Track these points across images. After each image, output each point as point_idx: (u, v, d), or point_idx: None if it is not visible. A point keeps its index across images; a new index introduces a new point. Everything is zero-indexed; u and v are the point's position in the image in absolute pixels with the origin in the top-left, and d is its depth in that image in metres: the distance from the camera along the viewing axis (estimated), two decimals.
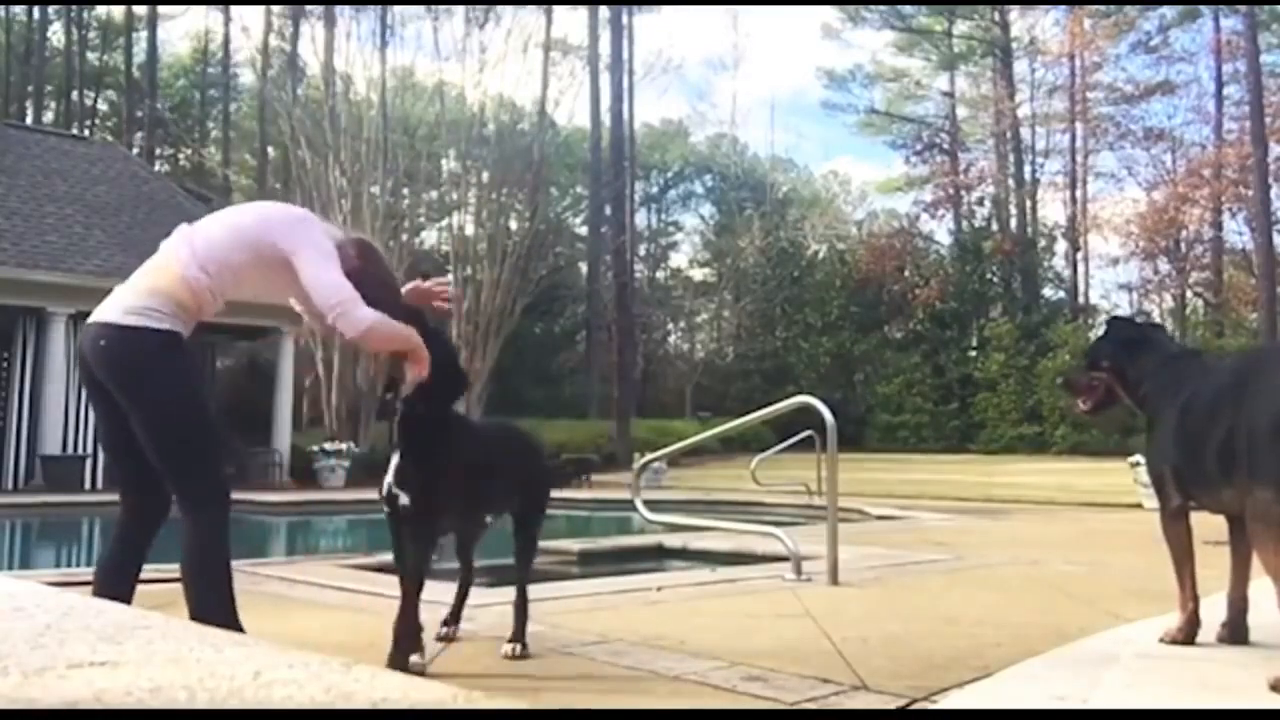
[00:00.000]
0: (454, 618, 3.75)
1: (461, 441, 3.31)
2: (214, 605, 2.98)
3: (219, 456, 3.18)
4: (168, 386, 3.00)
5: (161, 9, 38.71)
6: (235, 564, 5.41)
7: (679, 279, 46.23)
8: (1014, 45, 39.52)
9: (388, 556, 6.22)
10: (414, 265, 25.74)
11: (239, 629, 2.93)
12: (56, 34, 39.42)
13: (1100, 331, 4.05)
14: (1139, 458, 10.22)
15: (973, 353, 35.62)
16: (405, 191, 25.64)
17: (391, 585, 4.93)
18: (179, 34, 42.93)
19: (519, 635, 3.55)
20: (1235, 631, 3.50)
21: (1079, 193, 37.06)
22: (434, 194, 31.36)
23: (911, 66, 43.33)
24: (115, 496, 3.15)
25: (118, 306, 3.01)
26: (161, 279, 3.01)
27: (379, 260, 3.29)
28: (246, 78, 40.23)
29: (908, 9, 40.92)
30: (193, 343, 3.14)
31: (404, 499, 3.18)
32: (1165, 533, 3.58)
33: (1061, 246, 38.40)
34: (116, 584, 3.10)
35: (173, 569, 5.66)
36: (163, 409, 3.00)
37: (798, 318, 37.01)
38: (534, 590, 5.11)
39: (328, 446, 17.16)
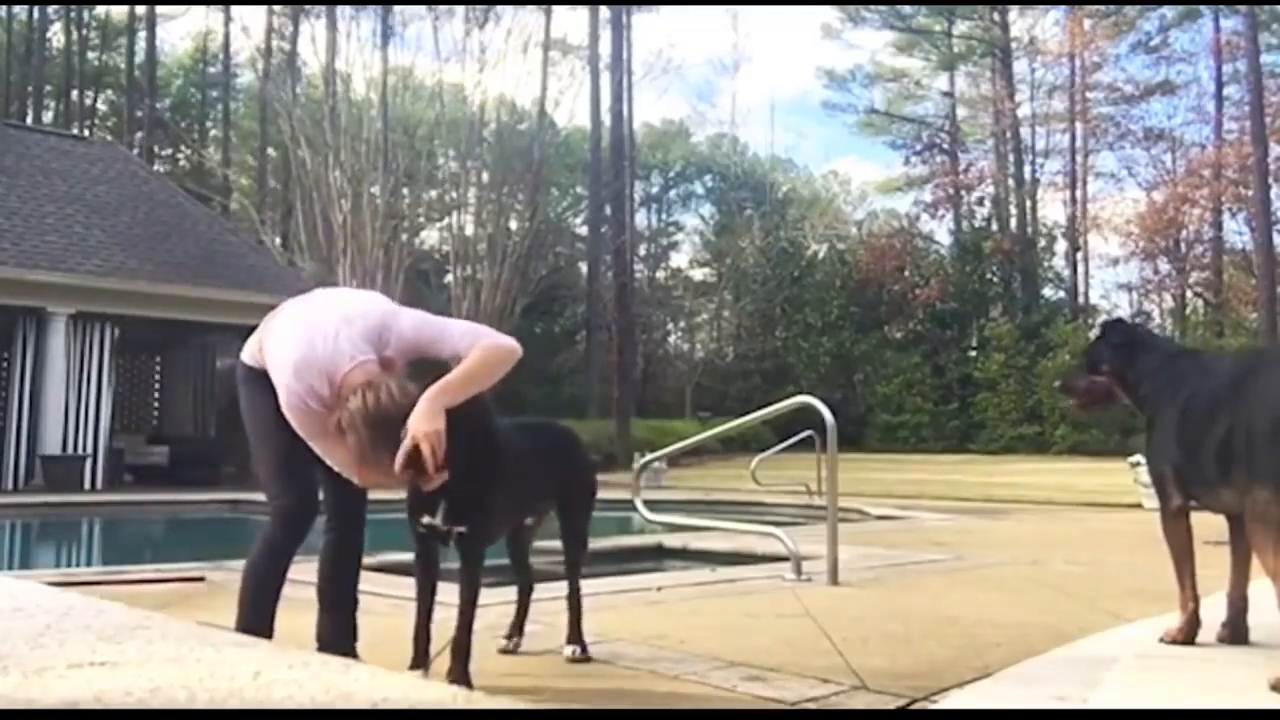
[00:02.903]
0: (517, 629, 3.69)
1: (505, 458, 3.23)
2: (247, 606, 3.20)
3: (290, 479, 3.20)
4: (245, 410, 3.30)
5: (161, 9, 38.70)
6: (236, 564, 5.40)
7: (679, 279, 46.16)
8: (1014, 45, 39.50)
9: (388, 556, 6.24)
10: (414, 265, 25.80)
11: (263, 635, 2.99)
12: (56, 34, 39.41)
13: (1095, 334, 4.06)
14: (1139, 458, 10.22)
15: (973, 353, 35.60)
16: (405, 191, 25.63)
17: (390, 585, 4.93)
18: (179, 34, 42.97)
19: (576, 636, 3.52)
20: (1235, 631, 3.50)
21: (1079, 193, 37.05)
22: (434, 194, 31.34)
23: (911, 66, 43.32)
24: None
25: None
26: (257, 331, 3.30)
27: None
28: (246, 78, 40.24)
29: (908, 9, 40.90)
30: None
31: (459, 529, 3.11)
32: (1165, 533, 3.58)
33: (1061, 246, 38.40)
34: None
35: (172, 569, 5.68)
36: (247, 425, 3.30)
37: (798, 318, 36.99)
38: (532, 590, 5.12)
39: None
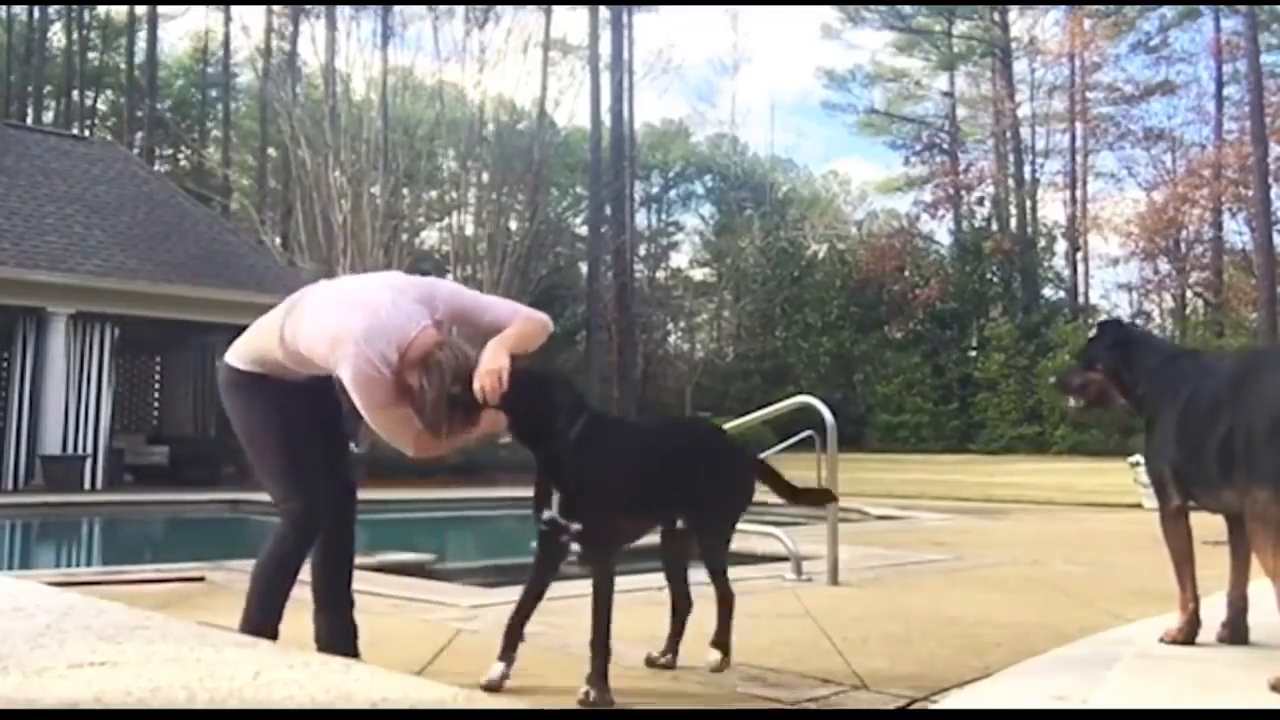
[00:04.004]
0: (671, 644, 3.44)
1: (619, 451, 3.18)
2: (254, 605, 3.20)
3: (300, 482, 3.21)
4: (239, 417, 3.30)
5: (161, 9, 38.70)
6: (236, 564, 5.40)
7: (679, 279, 46.17)
8: (1014, 45, 39.51)
9: (388, 556, 6.24)
10: (414, 265, 25.81)
11: (268, 635, 3.00)
12: (56, 34, 39.40)
13: (1092, 334, 4.05)
14: (1139, 458, 10.21)
15: (973, 353, 35.61)
16: (405, 191, 25.62)
17: (389, 585, 4.93)
18: (179, 34, 42.98)
19: (720, 641, 3.37)
20: (1235, 631, 3.50)
21: (1079, 193, 37.06)
22: (434, 194, 31.35)
23: (911, 66, 43.34)
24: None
25: (237, 341, 3.34)
26: (260, 331, 3.27)
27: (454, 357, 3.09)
28: (246, 78, 40.24)
29: (908, 9, 40.90)
30: (282, 380, 3.23)
31: (575, 526, 3.05)
32: (1165, 533, 3.58)
33: (1061, 246, 38.42)
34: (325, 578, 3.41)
35: (172, 569, 5.68)
36: (241, 432, 3.32)
37: (798, 318, 37.00)
38: None
39: None
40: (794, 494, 3.81)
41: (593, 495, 3.06)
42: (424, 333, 3.04)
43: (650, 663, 3.39)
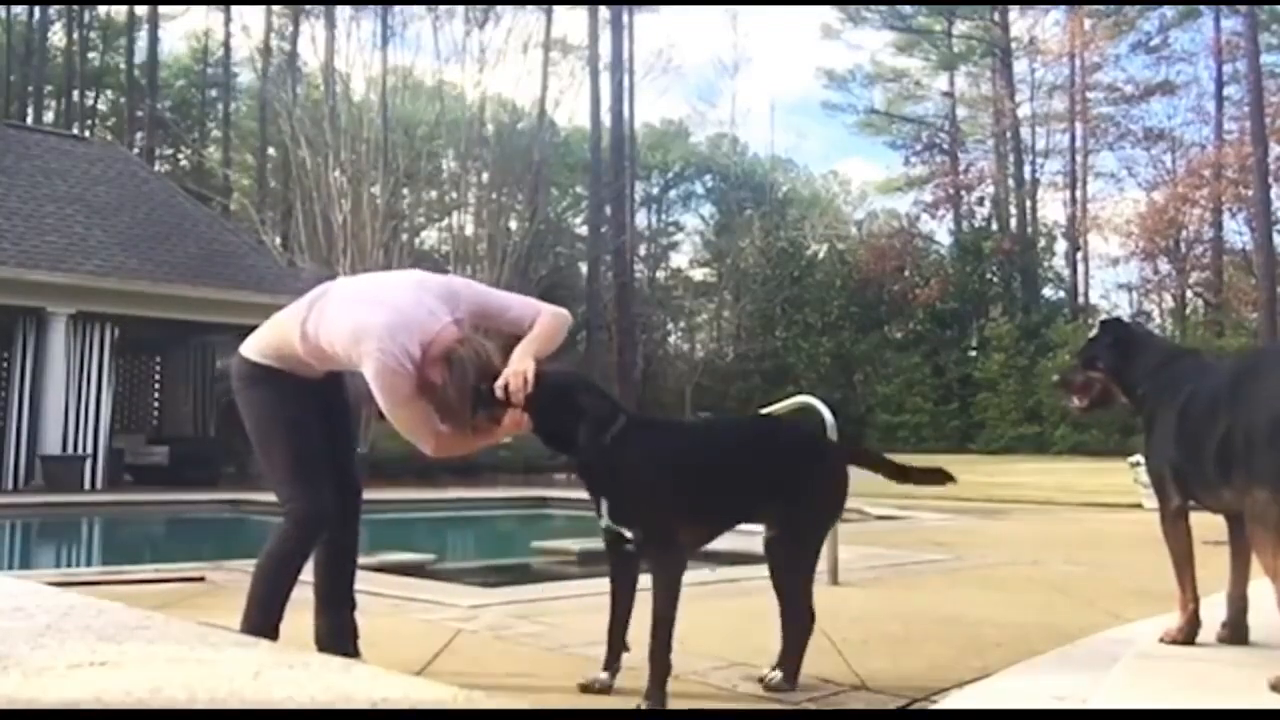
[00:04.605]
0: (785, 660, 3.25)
1: (661, 454, 3.12)
2: (255, 605, 3.18)
3: (306, 481, 3.20)
4: (250, 411, 3.29)
5: (161, 9, 38.69)
6: (236, 564, 5.40)
7: (679, 279, 46.16)
8: (1014, 45, 39.49)
9: (388, 556, 6.24)
10: (414, 265, 25.81)
11: (268, 635, 3.00)
12: (57, 34, 39.38)
13: (1093, 333, 4.05)
14: (1138, 458, 10.21)
15: (973, 353, 35.60)
16: (405, 191, 25.62)
17: (390, 585, 4.93)
18: (179, 34, 42.97)
19: (786, 663, 3.15)
20: (1236, 631, 3.50)
21: (1079, 193, 37.05)
22: (434, 194, 31.35)
23: (911, 66, 43.34)
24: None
25: (253, 334, 3.33)
26: (280, 324, 3.27)
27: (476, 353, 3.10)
28: (246, 78, 40.23)
29: (908, 9, 40.90)
30: (295, 376, 3.24)
31: (628, 534, 3.02)
32: (1165, 533, 3.58)
33: (1061, 246, 38.42)
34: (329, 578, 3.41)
35: (172, 569, 5.68)
36: (250, 426, 3.30)
37: (798, 318, 36.98)
38: (532, 590, 5.11)
39: None
40: (903, 474, 3.47)
41: (641, 500, 3.02)
42: (446, 329, 3.08)
43: (764, 683, 3.19)
